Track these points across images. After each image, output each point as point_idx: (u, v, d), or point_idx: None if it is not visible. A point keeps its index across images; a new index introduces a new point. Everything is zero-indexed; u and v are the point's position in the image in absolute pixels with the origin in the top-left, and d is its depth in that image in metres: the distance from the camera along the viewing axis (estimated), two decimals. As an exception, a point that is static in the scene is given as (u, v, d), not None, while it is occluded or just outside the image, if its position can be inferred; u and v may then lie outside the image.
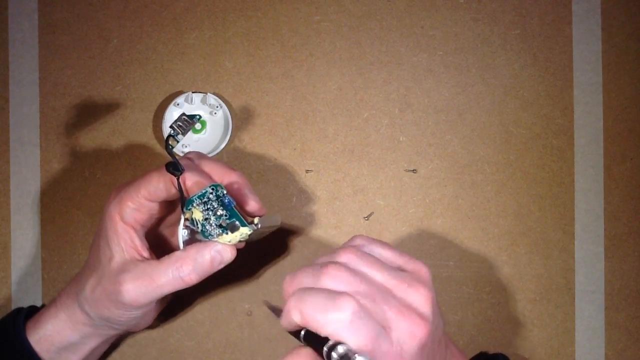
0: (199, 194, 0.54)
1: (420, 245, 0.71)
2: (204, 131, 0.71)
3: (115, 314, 0.57)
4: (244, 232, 0.54)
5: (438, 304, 0.52)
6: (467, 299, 0.70)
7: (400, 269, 0.51)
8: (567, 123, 0.72)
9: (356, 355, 0.44)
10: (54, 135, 0.72)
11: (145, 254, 0.57)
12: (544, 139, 0.72)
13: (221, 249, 0.55)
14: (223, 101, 0.71)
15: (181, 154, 0.69)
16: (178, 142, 0.59)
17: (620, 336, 0.71)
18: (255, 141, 0.72)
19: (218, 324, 0.71)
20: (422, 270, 0.52)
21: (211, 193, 0.54)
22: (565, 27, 0.73)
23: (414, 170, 0.72)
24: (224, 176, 0.58)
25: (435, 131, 0.72)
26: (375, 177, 0.71)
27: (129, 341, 0.71)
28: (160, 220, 0.62)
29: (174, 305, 0.70)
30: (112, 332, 0.62)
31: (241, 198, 0.58)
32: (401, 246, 0.71)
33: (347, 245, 0.52)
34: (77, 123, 0.72)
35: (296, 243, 0.71)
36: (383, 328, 0.47)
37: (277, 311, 0.54)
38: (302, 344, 0.48)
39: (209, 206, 0.54)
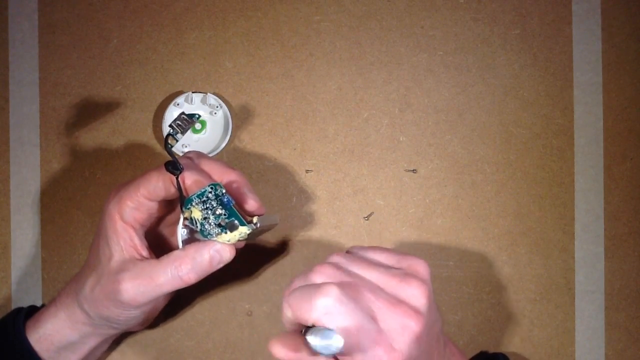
0: (198, 193, 0.54)
1: (420, 245, 0.71)
2: (204, 131, 0.71)
3: (114, 313, 0.57)
4: (243, 231, 0.54)
5: (436, 302, 0.52)
6: (467, 299, 0.70)
7: (395, 268, 0.52)
8: (567, 123, 0.72)
9: (328, 331, 0.45)
10: (54, 135, 0.72)
11: (145, 253, 0.57)
12: (544, 139, 0.72)
13: (220, 248, 0.55)
14: (223, 101, 0.71)
15: (181, 154, 0.69)
16: (177, 141, 0.59)
17: (620, 336, 0.70)
18: (255, 141, 0.72)
19: (218, 324, 0.71)
20: (418, 265, 0.52)
21: (210, 192, 0.54)
22: (565, 27, 0.73)
23: (414, 170, 0.71)
24: (223, 175, 0.58)
25: (435, 131, 0.72)
26: (375, 177, 0.71)
27: (129, 341, 0.71)
28: (159, 219, 0.62)
29: (174, 305, 0.70)
30: (111, 332, 0.62)
31: (240, 197, 0.58)
32: (401, 246, 0.71)
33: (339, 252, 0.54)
34: (77, 123, 0.72)
35: (296, 243, 0.71)
36: (372, 318, 0.47)
37: None
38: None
39: (208, 205, 0.54)
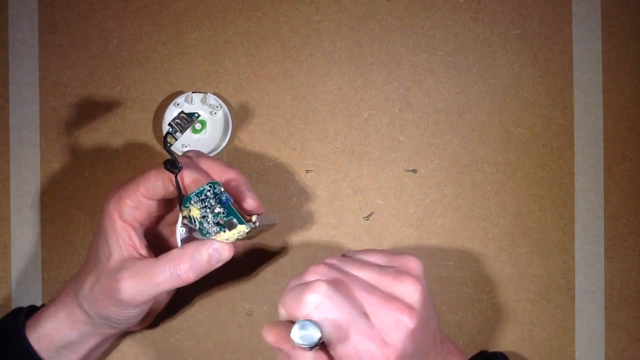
0: (197, 191, 0.54)
1: (420, 245, 0.71)
2: (204, 131, 0.71)
3: (113, 313, 0.57)
4: (242, 230, 0.54)
5: (436, 302, 0.52)
6: (467, 299, 0.70)
7: (388, 267, 0.52)
8: (567, 123, 0.72)
9: (306, 323, 0.46)
10: (54, 135, 0.72)
11: (144, 252, 0.57)
12: (544, 139, 0.71)
13: (219, 247, 0.55)
14: (223, 101, 0.71)
15: (180, 154, 0.69)
16: (176, 139, 0.59)
17: (620, 336, 0.70)
18: (255, 141, 0.72)
19: (218, 324, 0.71)
20: (411, 263, 0.52)
21: (209, 190, 0.54)
22: (565, 27, 0.73)
23: (414, 170, 0.71)
24: (222, 174, 0.58)
25: (435, 131, 0.72)
26: (375, 177, 0.71)
27: (129, 341, 0.71)
28: (159, 219, 0.62)
29: (174, 305, 0.70)
30: (111, 331, 0.62)
31: (239, 196, 0.58)
32: (401, 246, 0.71)
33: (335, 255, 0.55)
34: (77, 123, 0.72)
35: (296, 243, 0.71)
36: (364, 314, 0.48)
37: None
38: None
39: (206, 204, 0.54)
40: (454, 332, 0.70)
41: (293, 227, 0.71)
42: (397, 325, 0.48)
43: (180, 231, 0.58)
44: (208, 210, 0.54)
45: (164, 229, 0.64)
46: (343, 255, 0.56)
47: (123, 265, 0.56)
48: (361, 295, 0.49)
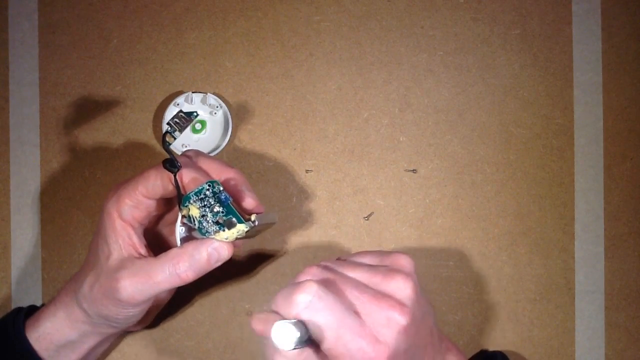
0: (196, 190, 0.54)
1: (420, 245, 0.71)
2: (203, 131, 0.71)
3: (112, 312, 0.57)
4: (241, 229, 0.54)
5: (424, 294, 0.52)
6: (467, 299, 0.70)
7: (380, 266, 0.53)
8: (567, 123, 0.72)
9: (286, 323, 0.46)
10: (54, 135, 0.72)
11: (143, 251, 0.57)
12: (544, 139, 0.71)
13: (218, 246, 0.55)
14: (223, 101, 0.71)
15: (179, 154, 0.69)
16: (175, 138, 0.59)
17: (620, 336, 0.70)
18: (255, 141, 0.72)
19: (218, 324, 0.71)
20: (401, 260, 0.53)
21: (208, 189, 0.54)
22: (565, 27, 0.73)
23: (414, 170, 0.71)
24: (221, 173, 0.58)
25: (435, 131, 0.72)
26: (375, 177, 0.71)
27: (129, 341, 0.71)
28: (158, 218, 0.62)
29: (174, 305, 0.70)
30: (110, 331, 0.62)
31: (238, 195, 0.58)
32: (401, 246, 0.71)
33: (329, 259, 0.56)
34: (77, 123, 0.72)
35: (296, 243, 0.71)
36: (355, 313, 0.48)
37: None
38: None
39: (205, 203, 0.54)
40: (454, 332, 0.70)
41: (293, 227, 0.71)
42: (388, 322, 0.48)
43: (179, 230, 0.57)
44: (207, 210, 0.54)
45: (163, 229, 0.64)
46: (337, 259, 0.56)
47: (122, 264, 0.56)
48: (352, 294, 0.49)
